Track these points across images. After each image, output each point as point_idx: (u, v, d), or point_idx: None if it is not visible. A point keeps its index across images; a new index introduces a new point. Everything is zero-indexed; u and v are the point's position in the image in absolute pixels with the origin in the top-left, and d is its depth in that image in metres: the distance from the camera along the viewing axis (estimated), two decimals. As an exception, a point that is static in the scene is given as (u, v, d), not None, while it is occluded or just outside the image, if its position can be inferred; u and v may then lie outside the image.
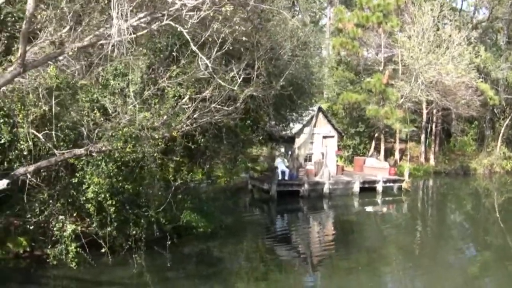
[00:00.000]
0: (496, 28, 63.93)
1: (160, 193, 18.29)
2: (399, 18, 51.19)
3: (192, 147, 15.67)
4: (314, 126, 39.62)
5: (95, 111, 15.10)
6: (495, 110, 61.46)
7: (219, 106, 14.24)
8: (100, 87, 16.51)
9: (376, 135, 53.91)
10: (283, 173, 37.60)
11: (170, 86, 15.50)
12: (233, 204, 37.05)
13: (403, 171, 45.21)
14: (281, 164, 37.83)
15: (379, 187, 40.59)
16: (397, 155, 56.14)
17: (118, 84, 16.10)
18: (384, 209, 38.52)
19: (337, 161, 43.16)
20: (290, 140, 38.98)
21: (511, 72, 56.94)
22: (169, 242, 18.48)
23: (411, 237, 29.84)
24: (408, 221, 34.50)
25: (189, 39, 11.37)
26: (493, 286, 21.58)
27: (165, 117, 14.57)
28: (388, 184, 41.72)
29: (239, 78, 15.46)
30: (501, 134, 60.37)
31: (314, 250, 25.89)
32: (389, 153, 57.65)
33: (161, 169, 19.33)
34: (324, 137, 40.48)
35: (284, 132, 27.22)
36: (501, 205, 42.97)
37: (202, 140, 16.03)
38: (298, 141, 39.08)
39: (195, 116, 14.23)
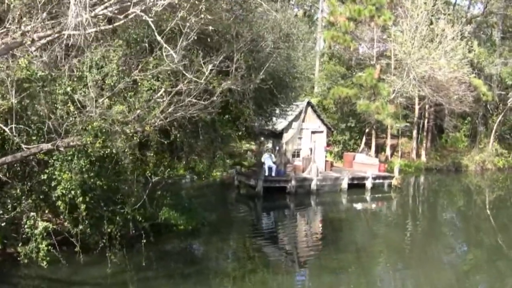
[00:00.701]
0: (491, 23, 63.50)
1: (136, 189, 17.80)
2: (392, 12, 50.85)
3: (165, 142, 15.15)
4: (303, 121, 39.17)
5: (68, 105, 14.59)
6: (488, 106, 61.10)
7: (195, 100, 13.73)
8: (75, 79, 15.94)
9: (367, 130, 53.61)
10: (270, 169, 37.14)
11: (144, 79, 14.98)
12: (219, 200, 36.80)
13: (393, 167, 44.88)
14: (268, 160, 37.36)
15: (368, 183, 40.20)
16: (388, 151, 55.90)
17: (94, 76, 15.55)
18: (373, 206, 38.09)
19: (326, 156, 42.71)
20: (278, 135, 38.57)
21: (504, 68, 56.59)
22: (144, 241, 17.86)
23: (401, 235, 29.38)
24: (398, 219, 34.06)
25: (154, 29, 10.85)
26: (484, 284, 21.37)
27: (138, 111, 14.05)
28: (377, 181, 41.34)
29: (217, 70, 15.01)
30: (493, 131, 60.21)
31: (301, 248, 25.32)
32: (380, 149, 57.40)
33: (140, 165, 18.85)
34: (313, 132, 40.03)
35: (266, 128, 26.56)
36: (493, 203, 42.75)
37: (178, 135, 15.55)
38: (286, 136, 38.62)
39: (169, 110, 13.70)
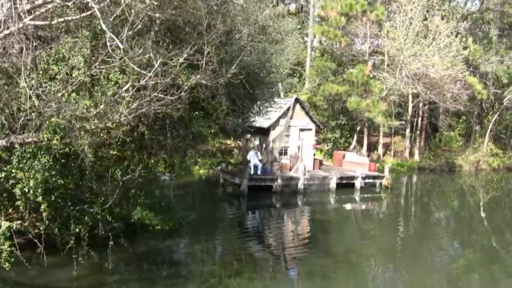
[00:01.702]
0: (487, 20, 62.97)
1: (105, 188, 17.23)
2: (386, 8, 50.39)
3: (128, 140, 14.54)
4: (291, 118, 38.64)
5: (32, 99, 13.99)
6: (483, 105, 60.57)
7: (160, 95, 13.14)
8: (40, 72, 15.32)
9: (358, 128, 53.13)
10: (255, 167, 36.60)
11: (110, 72, 14.38)
12: (202, 198, 36.25)
13: (385, 166, 44.42)
14: (254, 158, 36.81)
15: (358, 183, 39.70)
16: (380, 149, 55.51)
17: (60, 69, 14.95)
18: (363, 207, 37.48)
19: (314, 155, 42.16)
20: (265, 132, 38.03)
21: (500, 66, 56.09)
22: (112, 243, 17.32)
23: (391, 236, 29.01)
24: (388, 220, 33.53)
25: (98, 13, 10.25)
26: (476, 286, 21.27)
27: (101, 106, 13.45)
28: (367, 181, 40.86)
29: (187, 64, 14.43)
30: (488, 130, 59.79)
31: (288, 250, 24.71)
32: (373, 147, 57.01)
33: (109, 163, 18.27)
34: (301, 129, 39.48)
35: (251, 125, 25.93)
36: (487, 204, 42.40)
37: (146, 132, 14.96)
38: (273, 134, 38.07)
39: (133, 106, 13.11)
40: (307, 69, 54.54)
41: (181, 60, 13.75)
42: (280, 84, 45.10)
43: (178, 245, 23.39)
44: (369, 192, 40.26)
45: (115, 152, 16.17)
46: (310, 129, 40.00)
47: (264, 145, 38.58)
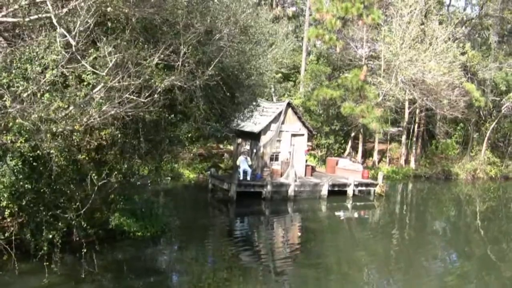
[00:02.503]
0: (485, 25, 62.55)
1: (78, 193, 16.76)
2: (383, 12, 49.99)
3: (96, 143, 14.06)
4: (282, 123, 38.12)
5: (4, 99, 13.51)
6: (481, 112, 60.04)
7: (131, 97, 12.66)
8: (13, 70, 14.81)
9: (353, 134, 52.69)
10: (245, 172, 36.07)
11: (84, 73, 13.90)
12: (189, 204, 35.73)
13: (383, 172, 43.96)
14: (243, 163, 36.28)
15: (350, 191, 39.16)
16: (375, 156, 55.03)
17: (33, 69, 14.44)
18: (355, 215, 36.94)
19: (306, 161, 41.64)
20: (255, 137, 37.56)
21: (499, 73, 55.65)
22: (85, 250, 16.86)
23: (385, 245, 28.51)
24: (381, 228, 33.00)
25: (50, 7, 9.77)
26: None
27: (71, 108, 12.96)
28: (360, 188, 40.35)
29: (164, 65, 13.98)
30: (486, 138, 59.28)
31: (277, 259, 24.03)
32: (368, 154, 56.54)
33: (94, 167, 17.79)
34: (293, 135, 38.97)
35: (222, 130, 25.44)
36: (483, 213, 41.93)
37: (119, 135, 14.46)
38: (263, 139, 37.57)
39: (103, 108, 12.62)
40: (302, 73, 54.03)
41: (156, 60, 13.31)
42: (273, 88, 44.77)
43: (159, 252, 22.78)
44: (362, 200, 39.79)
45: (91, 156, 15.64)
46: (302, 135, 39.50)
47: (254, 150, 38.08)
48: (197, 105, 15.49)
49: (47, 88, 13.76)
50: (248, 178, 36.08)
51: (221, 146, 50.33)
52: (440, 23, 50.06)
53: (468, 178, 56.94)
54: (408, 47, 46.52)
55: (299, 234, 30.28)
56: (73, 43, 10.75)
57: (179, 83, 13.54)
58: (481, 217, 40.13)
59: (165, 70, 13.88)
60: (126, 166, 15.64)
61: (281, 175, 38.02)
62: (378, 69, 50.34)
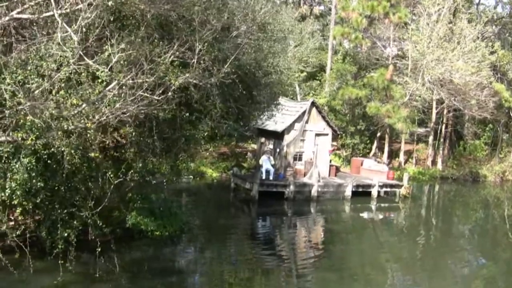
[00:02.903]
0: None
1: (93, 192, 16.63)
2: (410, 10, 49.34)
3: (110, 142, 13.85)
4: (306, 122, 37.75)
5: (19, 95, 13.41)
6: (511, 113, 58.81)
7: (145, 95, 12.44)
8: (29, 68, 14.72)
9: (379, 134, 52.08)
10: (267, 172, 35.79)
11: (99, 70, 13.72)
12: (211, 203, 35.54)
13: (408, 174, 43.34)
14: (266, 162, 36.00)
15: (374, 192, 38.62)
16: (402, 157, 54.35)
17: (48, 65, 14.32)
18: (379, 216, 36.44)
19: (330, 161, 41.18)
20: (279, 136, 37.27)
21: (529, 73, 54.54)
22: (99, 249, 16.70)
23: (409, 247, 28.07)
24: (406, 231, 32.46)
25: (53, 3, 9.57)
26: None
27: (84, 105, 12.80)
28: (384, 189, 39.79)
29: (180, 62, 13.76)
30: (516, 140, 58.19)
31: (298, 261, 23.78)
32: (394, 154, 55.88)
33: (112, 165, 17.67)
34: (317, 134, 38.55)
35: (239, 129, 25.10)
36: (512, 217, 41.00)
37: (133, 133, 14.24)
38: (287, 138, 37.24)
39: (117, 106, 12.43)
40: (327, 72, 53.57)
41: (170, 57, 13.09)
42: (297, 87, 44.43)
43: (177, 252, 22.63)
44: (386, 201, 39.27)
45: (107, 154, 15.47)
46: (327, 134, 39.06)
47: (278, 150, 37.82)
48: (213, 103, 15.23)
49: (62, 85, 13.66)
50: (271, 177, 35.80)
51: (245, 145, 50.11)
52: (469, 21, 49.15)
53: (497, 180, 55.82)
54: (436, 46, 45.78)
55: (322, 235, 29.94)
56: (76, 38, 10.53)
57: (194, 81, 13.29)
58: (510, 220, 39.22)
59: (180, 67, 13.65)
60: (141, 165, 15.43)
61: (304, 175, 37.65)
62: (405, 68, 49.67)
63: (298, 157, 38.24)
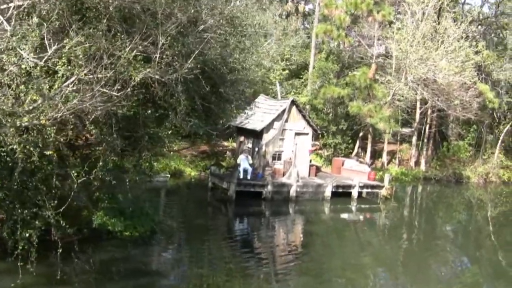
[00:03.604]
0: (501, 24, 61.27)
1: (55, 191, 16.13)
2: (395, 9, 49.14)
3: (61, 140, 13.34)
4: (286, 121, 37.38)
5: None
6: (495, 114, 58.80)
7: (105, 90, 12.00)
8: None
9: (361, 134, 51.80)
10: (245, 171, 35.41)
11: (59, 64, 13.25)
12: (187, 203, 35.16)
13: (389, 174, 43.11)
14: (244, 161, 35.62)
15: (355, 192, 38.28)
16: (385, 157, 54.13)
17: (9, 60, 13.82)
18: (359, 218, 36.19)
19: (311, 161, 40.82)
20: (258, 135, 36.88)
21: (515, 73, 54.47)
22: (60, 250, 16.22)
23: (390, 249, 27.93)
24: (386, 232, 32.33)
25: None
26: None
27: (39, 101, 12.32)
28: (365, 190, 39.48)
29: (143, 57, 13.31)
30: (500, 141, 58.04)
31: (277, 264, 23.34)
32: (377, 155, 55.65)
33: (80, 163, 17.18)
34: (297, 134, 38.19)
35: (204, 127, 24.50)
36: (495, 218, 41.16)
37: (94, 131, 13.78)
38: (266, 137, 36.86)
39: (74, 101, 11.96)
40: (310, 70, 53.18)
41: (132, 51, 12.64)
42: (278, 85, 44.07)
43: (145, 254, 21.97)
44: (367, 202, 39.03)
45: (64, 152, 14.94)
46: (307, 134, 38.72)
47: (256, 149, 37.44)
48: (177, 100, 14.77)
49: (22, 79, 13.19)
50: (249, 177, 35.44)
51: (226, 143, 49.73)
52: (454, 21, 48.98)
53: (480, 182, 55.82)
54: (419, 45, 45.53)
55: (301, 237, 29.62)
56: (8, 28, 10.06)
57: (156, 76, 12.85)
58: (493, 222, 39.32)
59: (143, 62, 13.21)
60: (101, 163, 14.93)
61: (284, 175, 37.28)
62: (389, 67, 49.45)
63: (277, 157, 37.88)
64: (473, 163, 57.47)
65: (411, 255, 27.20)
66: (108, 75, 12.05)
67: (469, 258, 27.47)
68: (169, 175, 40.00)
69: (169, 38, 12.99)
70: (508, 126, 57.68)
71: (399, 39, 46.00)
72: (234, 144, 46.98)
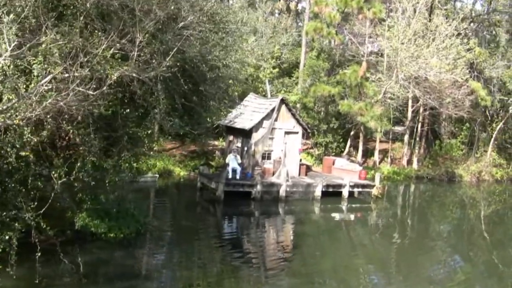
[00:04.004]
0: (493, 21, 61.16)
1: (34, 192, 15.90)
2: (387, 6, 48.98)
3: (36, 140, 13.09)
4: (275, 120, 37.19)
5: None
6: (487, 112, 58.64)
7: (81, 89, 11.77)
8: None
9: (352, 133, 51.65)
10: (234, 171, 35.22)
11: (35, 62, 13.03)
12: (176, 204, 34.95)
13: (380, 173, 42.96)
14: (233, 161, 35.43)
15: (345, 192, 38.09)
16: (376, 156, 53.98)
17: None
18: (349, 218, 35.98)
19: (301, 160, 40.65)
20: (247, 134, 36.70)
21: (507, 71, 54.29)
22: (39, 254, 15.95)
23: (381, 249, 27.73)
24: (378, 232, 32.07)
25: None
26: None
27: (14, 100, 12.10)
28: (356, 189, 39.31)
29: (122, 55, 13.09)
30: (492, 139, 57.92)
31: (267, 264, 23.02)
32: (370, 153, 55.53)
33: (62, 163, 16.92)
34: (287, 132, 38.01)
35: (184, 127, 24.23)
36: (488, 217, 41.03)
37: (71, 131, 13.54)
38: (255, 136, 36.67)
39: (49, 101, 11.73)
40: (301, 68, 53.01)
41: (110, 49, 12.43)
42: (267, 84, 43.88)
43: (129, 255, 21.75)
44: (357, 201, 38.86)
45: (41, 153, 14.68)
46: (297, 133, 38.55)
47: (246, 148, 37.23)
48: (157, 99, 14.54)
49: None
50: (237, 177, 35.25)
51: (216, 143, 49.53)
52: (446, 18, 48.80)
53: (473, 180, 55.67)
54: (410, 42, 45.36)
55: (291, 237, 29.33)
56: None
57: (134, 74, 12.63)
58: (486, 221, 39.22)
59: (121, 60, 12.99)
60: (79, 164, 14.68)
61: (273, 174, 37.09)
62: (381, 65, 49.32)
63: (266, 156, 37.68)
64: (465, 161, 57.34)
65: (403, 255, 27.05)
66: (84, 73, 11.81)
67: (462, 257, 27.29)
68: (157, 175, 39.80)
69: (147, 35, 12.78)
70: (501, 124, 57.48)
71: (389, 36, 45.81)
72: (225, 144, 46.85)
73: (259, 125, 36.52)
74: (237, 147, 37.70)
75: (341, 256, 25.47)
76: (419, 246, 29.09)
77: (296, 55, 57.06)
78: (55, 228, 17.22)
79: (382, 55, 49.04)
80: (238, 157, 35.87)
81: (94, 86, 11.97)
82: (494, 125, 58.45)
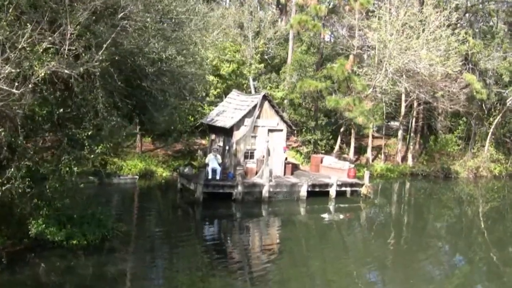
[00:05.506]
0: (488, 11, 60.21)
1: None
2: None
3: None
4: (258, 117, 36.36)
5: None
6: (484, 105, 57.61)
7: (3, 87, 10.94)
8: None
9: (342, 129, 50.80)
10: (214, 171, 34.41)
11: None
12: (153, 206, 34.15)
13: (373, 171, 42.13)
14: (213, 161, 34.62)
15: (332, 191, 37.23)
16: (369, 153, 53.17)
17: None
18: (337, 218, 35.09)
19: (286, 158, 39.79)
20: (228, 133, 35.88)
21: (503, 62, 53.38)
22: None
23: (371, 251, 27.09)
24: (367, 233, 31.50)
25: None
26: None
27: None
28: (344, 188, 38.39)
29: (55, 50, 12.25)
30: (490, 134, 57.04)
31: (253, 270, 22.27)
32: (363, 150, 54.74)
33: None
34: (270, 130, 37.17)
35: (126, 128, 23.20)
36: (487, 214, 40.33)
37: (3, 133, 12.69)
38: (236, 134, 35.87)
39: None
40: (288, 63, 52.16)
41: (24, 40, 11.58)
42: (251, 80, 43.03)
43: (90, 264, 20.92)
44: (346, 201, 37.92)
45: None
46: (281, 130, 37.72)
47: (227, 147, 36.40)
48: (95, 97, 13.66)
49: None
50: (217, 177, 34.43)
51: (203, 142, 48.74)
52: (436, 7, 47.80)
53: (470, 177, 54.86)
54: (398, 33, 44.44)
55: (276, 240, 28.54)
56: None
57: (66, 71, 11.79)
58: (484, 218, 38.63)
59: (53, 54, 12.15)
60: (12, 169, 13.82)
61: (257, 174, 36.23)
62: (370, 58, 48.52)
63: (249, 155, 36.87)
64: (462, 157, 56.51)
65: (398, 256, 26.60)
66: (7, 70, 10.98)
67: (460, 257, 27.20)
68: (137, 177, 39.02)
69: (78, 26, 11.94)
70: (498, 117, 56.58)
71: (376, 28, 44.90)
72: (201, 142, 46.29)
73: (240, 123, 35.72)
74: (219, 146, 36.90)
75: (329, 257, 25.01)
76: (413, 246, 28.70)
77: (286, 50, 56.24)
78: (15, 235, 16.45)
79: (372, 48, 48.14)
80: (219, 156, 35.06)
81: (17, 84, 11.14)
82: (491, 119, 57.49)
